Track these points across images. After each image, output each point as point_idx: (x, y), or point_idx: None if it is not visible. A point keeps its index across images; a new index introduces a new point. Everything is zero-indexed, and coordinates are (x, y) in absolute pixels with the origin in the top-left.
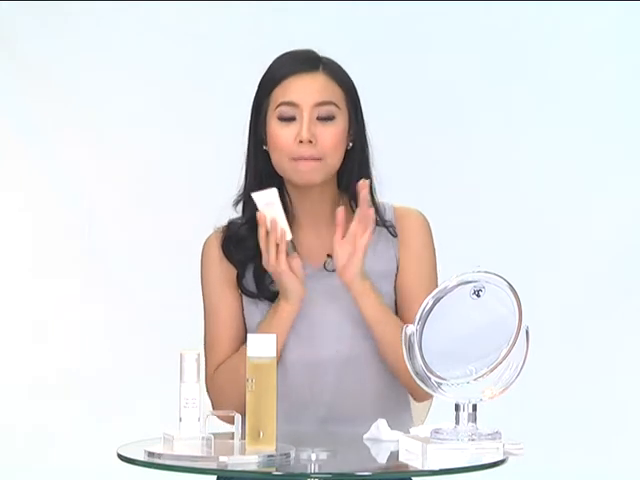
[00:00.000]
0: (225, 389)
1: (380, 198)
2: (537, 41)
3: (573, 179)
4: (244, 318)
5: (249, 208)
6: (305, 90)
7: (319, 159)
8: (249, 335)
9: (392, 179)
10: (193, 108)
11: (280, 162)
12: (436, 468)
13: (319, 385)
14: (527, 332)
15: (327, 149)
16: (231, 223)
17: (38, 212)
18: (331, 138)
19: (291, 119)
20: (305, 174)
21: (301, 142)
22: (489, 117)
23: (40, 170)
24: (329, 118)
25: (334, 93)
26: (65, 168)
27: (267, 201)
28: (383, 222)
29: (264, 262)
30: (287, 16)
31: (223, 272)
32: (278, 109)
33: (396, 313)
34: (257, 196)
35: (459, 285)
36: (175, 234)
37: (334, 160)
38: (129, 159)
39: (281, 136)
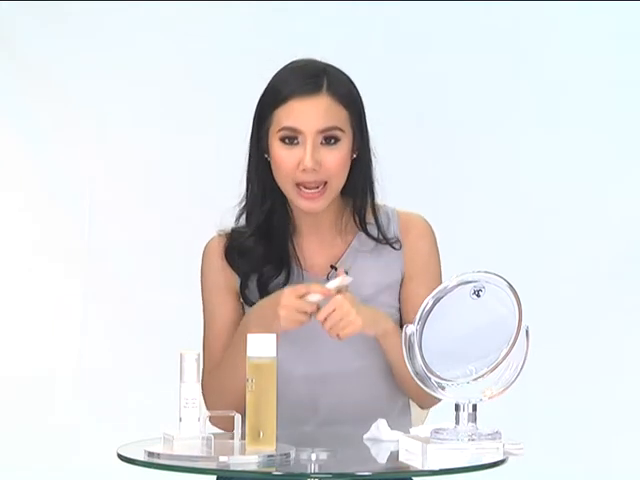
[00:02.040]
0: (212, 394)
1: (382, 200)
2: (537, 41)
3: (573, 179)
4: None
5: (255, 219)
6: (308, 116)
7: (323, 182)
8: (249, 335)
9: (392, 178)
10: (193, 108)
11: (284, 184)
12: (436, 468)
13: (320, 398)
14: (527, 332)
15: (331, 173)
16: (235, 231)
17: (38, 212)
18: (335, 162)
19: (294, 142)
20: (308, 204)
21: (304, 170)
22: (489, 117)
23: (40, 170)
24: (333, 142)
25: (339, 116)
26: (65, 168)
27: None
28: (386, 240)
29: (289, 298)
30: (287, 16)
31: (224, 279)
32: (281, 132)
33: (400, 320)
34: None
35: (459, 285)
36: (175, 234)
37: (338, 183)
38: (129, 159)
39: (284, 159)
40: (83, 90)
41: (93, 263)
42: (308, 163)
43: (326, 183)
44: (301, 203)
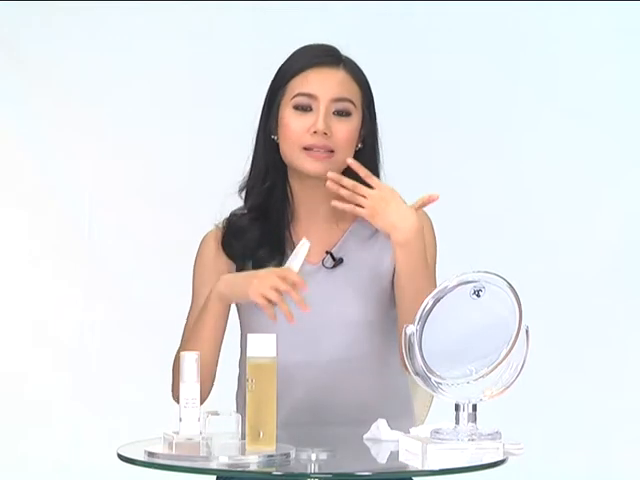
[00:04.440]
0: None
1: None
2: (538, 41)
3: (574, 179)
4: (239, 316)
5: (252, 197)
6: (325, 83)
7: (331, 151)
8: (249, 335)
9: (393, 177)
10: (193, 108)
11: (290, 151)
12: (436, 468)
13: (317, 386)
14: (527, 332)
15: (340, 143)
16: (232, 215)
17: (38, 212)
18: (345, 133)
19: (307, 110)
20: (315, 164)
21: (315, 133)
22: (490, 117)
23: (40, 170)
24: (345, 114)
25: (352, 91)
26: (65, 168)
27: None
28: None
29: (265, 282)
30: (287, 16)
31: (216, 270)
32: (295, 99)
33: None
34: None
35: (459, 285)
36: (175, 233)
37: (344, 156)
38: (129, 159)
39: (294, 125)
40: (83, 90)
41: (93, 263)
42: (320, 125)
43: (332, 152)
44: (307, 165)
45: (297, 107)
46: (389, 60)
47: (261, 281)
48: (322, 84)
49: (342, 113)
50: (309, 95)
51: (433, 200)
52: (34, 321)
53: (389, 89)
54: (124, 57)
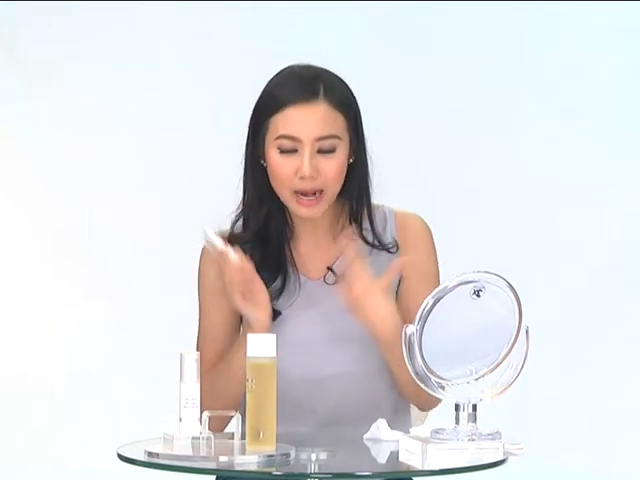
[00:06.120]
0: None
1: (381, 201)
2: (537, 42)
3: (573, 179)
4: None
5: (252, 224)
6: (306, 123)
7: (321, 190)
8: (249, 335)
9: (392, 179)
10: (194, 110)
11: (281, 192)
12: (436, 468)
13: (319, 402)
14: (527, 332)
15: (329, 181)
16: (233, 236)
17: (38, 213)
18: (333, 169)
19: (292, 151)
20: (305, 210)
21: (302, 178)
22: (488, 118)
23: (40, 170)
24: (330, 151)
25: (336, 123)
26: (65, 168)
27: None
28: (382, 245)
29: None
30: (288, 17)
31: (219, 283)
32: (278, 141)
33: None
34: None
35: (459, 285)
36: (175, 234)
37: (335, 190)
38: (129, 159)
39: (281, 168)
40: (83, 90)
41: (93, 263)
42: (306, 171)
43: (322, 191)
44: (299, 210)
45: (281, 150)
46: (389, 60)
47: (231, 293)
48: (303, 124)
49: (327, 151)
50: (292, 138)
51: (400, 267)
52: (34, 321)
53: (389, 89)
54: (124, 57)
